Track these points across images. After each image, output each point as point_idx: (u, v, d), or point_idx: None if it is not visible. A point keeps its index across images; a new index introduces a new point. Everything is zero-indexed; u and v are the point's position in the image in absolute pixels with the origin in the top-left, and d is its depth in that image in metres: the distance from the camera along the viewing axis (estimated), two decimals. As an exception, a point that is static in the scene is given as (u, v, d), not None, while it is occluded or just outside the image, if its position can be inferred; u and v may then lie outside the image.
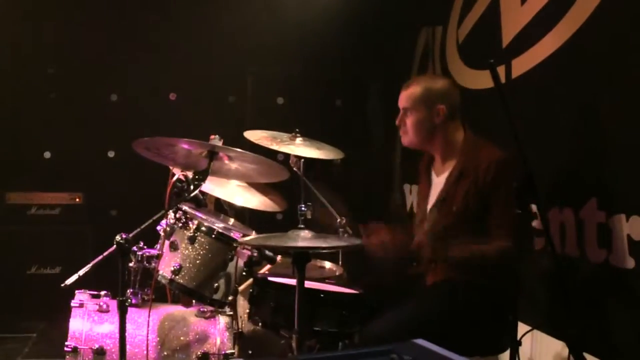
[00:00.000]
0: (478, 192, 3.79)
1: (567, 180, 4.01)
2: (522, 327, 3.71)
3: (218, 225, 3.95)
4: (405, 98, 4.04)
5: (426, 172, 4.21)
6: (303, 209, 3.39)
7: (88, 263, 3.68)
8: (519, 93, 4.37)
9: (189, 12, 6.76)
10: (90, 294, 4.02)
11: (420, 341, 2.35)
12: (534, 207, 3.97)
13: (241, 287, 3.93)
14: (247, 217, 5.21)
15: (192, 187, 3.47)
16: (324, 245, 3.31)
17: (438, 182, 4.07)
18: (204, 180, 3.47)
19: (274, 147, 4.35)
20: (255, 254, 3.80)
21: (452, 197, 3.91)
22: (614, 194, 3.61)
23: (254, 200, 4.67)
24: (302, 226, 3.35)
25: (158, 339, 3.79)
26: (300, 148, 4.37)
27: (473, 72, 4.98)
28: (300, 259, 3.21)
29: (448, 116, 3.96)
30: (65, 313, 3.87)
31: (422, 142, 4.05)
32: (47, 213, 6.47)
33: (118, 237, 3.15)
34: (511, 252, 3.62)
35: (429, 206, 4.08)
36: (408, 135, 4.05)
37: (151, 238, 3.94)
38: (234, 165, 3.75)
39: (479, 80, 4.75)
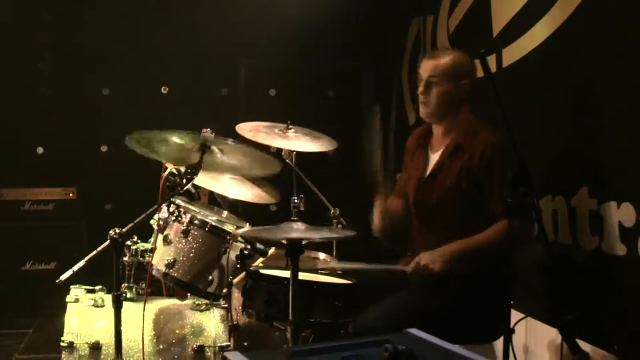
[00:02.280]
0: (472, 174, 3.81)
1: (559, 169, 4.03)
2: (516, 315, 3.74)
3: (211, 219, 3.96)
4: (432, 68, 3.97)
5: (422, 149, 4.19)
6: (296, 201, 3.40)
7: (83, 258, 3.70)
8: (510, 82, 4.38)
9: (181, 5, 6.75)
10: (86, 289, 4.02)
11: (415, 331, 2.36)
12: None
13: (236, 280, 3.94)
14: (241, 209, 5.22)
15: (184, 181, 3.47)
16: (316, 237, 3.32)
17: (434, 158, 4.07)
18: (196, 174, 3.47)
19: (267, 141, 4.35)
20: (248, 248, 3.80)
21: (448, 171, 3.93)
22: (605, 182, 3.62)
23: (247, 193, 4.67)
24: (295, 218, 3.36)
25: (154, 332, 3.80)
26: (294, 140, 4.38)
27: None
28: (294, 250, 3.22)
29: (468, 93, 3.97)
30: (61, 308, 3.88)
31: (442, 115, 4.00)
32: (41, 209, 6.47)
33: (112, 232, 3.15)
34: (510, 235, 3.63)
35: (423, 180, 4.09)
36: (429, 106, 3.99)
37: (145, 232, 3.95)
38: (226, 159, 3.74)
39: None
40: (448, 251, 3.79)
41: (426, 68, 4.01)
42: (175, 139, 3.59)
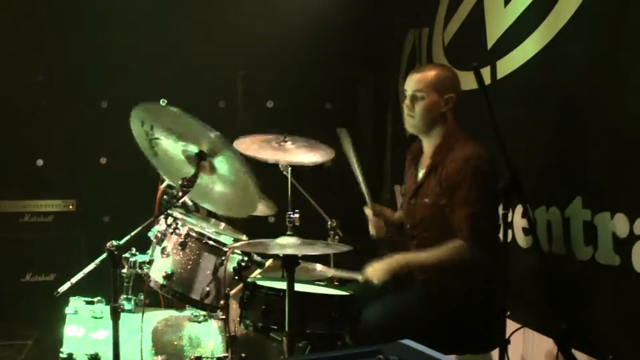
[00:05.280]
0: (442, 188, 3.89)
1: (553, 180, 4.05)
2: (512, 325, 3.77)
3: (208, 231, 4.00)
4: (416, 82, 4.04)
5: (413, 166, 4.25)
6: (292, 216, 3.44)
7: (82, 269, 3.72)
8: (504, 94, 4.41)
9: (178, 18, 6.78)
10: (85, 301, 4.05)
11: (407, 341, 2.38)
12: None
13: (233, 291, 3.96)
14: (239, 221, 5.24)
15: (180, 193, 3.50)
16: (311, 252, 3.36)
17: (420, 176, 4.15)
18: (191, 186, 3.50)
19: (263, 153, 4.37)
20: (245, 259, 3.83)
21: (425, 190, 4.01)
22: (598, 193, 3.65)
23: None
24: (290, 233, 3.40)
25: (152, 344, 3.83)
26: (290, 152, 4.41)
27: (459, 73, 5.01)
28: (290, 263, 3.25)
29: (453, 106, 4.02)
30: (60, 320, 3.90)
31: (427, 128, 4.06)
32: (40, 220, 6.47)
33: (109, 245, 3.17)
34: (469, 252, 3.69)
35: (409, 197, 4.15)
36: (414, 120, 4.06)
37: (143, 244, 3.98)
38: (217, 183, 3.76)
39: (465, 81, 4.78)
40: (394, 263, 3.87)
41: (411, 82, 4.07)
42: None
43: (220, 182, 3.72)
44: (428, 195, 3.98)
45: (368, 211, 4.33)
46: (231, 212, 4.03)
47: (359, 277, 3.94)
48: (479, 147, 3.89)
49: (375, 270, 3.85)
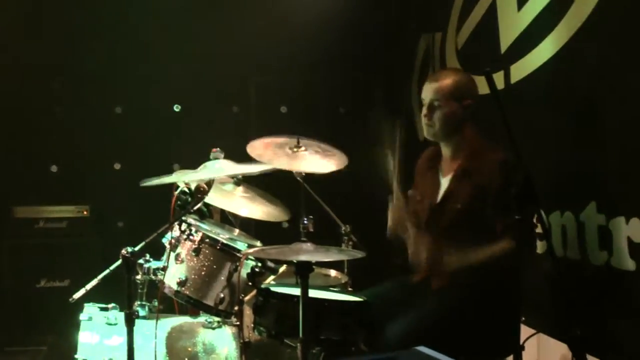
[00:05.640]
0: (482, 193, 3.82)
1: (567, 184, 4.04)
2: (527, 331, 3.75)
3: (222, 237, 4.00)
4: (434, 91, 4.01)
5: (432, 171, 4.21)
6: (305, 222, 3.43)
7: (97, 275, 3.74)
8: (518, 98, 4.40)
9: (191, 23, 6.80)
10: (99, 307, 4.06)
11: (423, 348, 2.38)
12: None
13: (247, 297, 3.96)
14: (253, 227, 5.24)
15: (195, 200, 3.51)
16: (325, 258, 3.35)
17: (444, 183, 4.09)
18: (206, 193, 3.51)
19: (276, 161, 4.38)
20: (259, 265, 3.83)
21: (457, 196, 3.95)
22: (613, 197, 3.63)
23: (258, 211, 4.70)
24: (304, 239, 3.39)
25: (166, 350, 3.83)
26: (304, 160, 4.41)
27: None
28: (303, 269, 3.24)
29: (472, 112, 4.00)
30: (75, 326, 3.92)
31: (447, 135, 4.04)
32: (55, 226, 6.49)
33: (124, 251, 3.18)
34: (513, 255, 3.66)
35: (435, 204, 4.11)
36: (434, 128, 4.03)
37: (157, 250, 3.99)
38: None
39: (479, 85, 4.79)
40: (452, 264, 3.83)
41: (428, 91, 4.04)
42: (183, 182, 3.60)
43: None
44: (460, 200, 3.94)
45: (393, 199, 4.25)
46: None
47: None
48: (502, 151, 3.86)
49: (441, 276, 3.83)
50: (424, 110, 4.05)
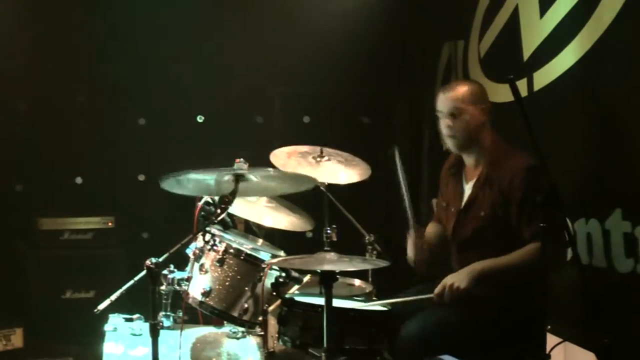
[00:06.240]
0: (504, 200, 3.81)
1: (592, 191, 4.02)
2: (553, 339, 3.72)
3: (246, 247, 4.00)
4: (452, 100, 4.02)
5: (456, 178, 4.21)
6: (328, 231, 3.44)
7: (122, 286, 3.75)
8: (541, 105, 4.39)
9: (215, 34, 6.82)
10: (124, 318, 4.07)
11: (447, 357, 2.38)
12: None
13: (271, 307, 3.96)
14: (278, 237, 5.25)
15: (219, 210, 3.50)
16: (348, 268, 3.32)
17: (467, 189, 4.09)
18: (230, 203, 3.50)
19: (299, 170, 4.39)
20: (283, 275, 3.83)
21: (480, 202, 3.95)
22: (638, 204, 3.61)
23: (282, 221, 4.71)
24: (327, 248, 3.39)
25: (191, 360, 3.84)
26: (327, 170, 4.43)
27: (495, 85, 5.00)
28: (327, 279, 3.24)
29: (489, 117, 3.99)
30: (100, 336, 3.93)
31: (470, 143, 4.03)
32: (80, 238, 6.51)
33: (148, 262, 3.17)
34: (542, 258, 3.63)
35: (459, 211, 4.10)
36: (457, 138, 4.02)
37: (182, 261, 4.00)
38: (259, 183, 3.75)
39: (502, 93, 4.78)
40: (477, 269, 3.81)
41: (446, 101, 4.04)
42: (208, 177, 3.59)
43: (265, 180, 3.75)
44: (483, 207, 3.93)
45: (412, 233, 4.25)
46: (297, 188, 4.00)
47: (428, 296, 3.88)
48: (526, 157, 3.84)
49: (460, 278, 3.80)
50: (446, 120, 4.03)
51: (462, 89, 4.01)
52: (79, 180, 6.93)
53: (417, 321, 3.76)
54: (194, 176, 3.53)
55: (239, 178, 3.53)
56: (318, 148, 4.57)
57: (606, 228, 3.81)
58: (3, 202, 6.59)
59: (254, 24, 6.82)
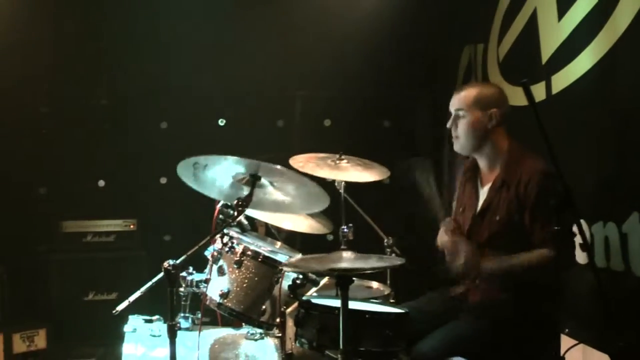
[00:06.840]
0: (520, 204, 3.80)
1: (610, 195, 4.01)
2: (569, 342, 3.73)
3: (264, 249, 4.03)
4: (458, 100, 4.02)
5: (472, 182, 4.21)
6: (345, 230, 3.45)
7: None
8: (560, 108, 4.39)
9: (236, 38, 6.85)
10: (144, 319, 4.11)
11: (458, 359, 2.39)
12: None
13: (289, 309, 3.99)
14: (298, 240, 5.27)
15: (235, 213, 3.54)
16: (365, 266, 3.32)
17: (483, 194, 4.08)
18: (247, 206, 3.54)
19: (317, 171, 4.41)
20: (300, 277, 3.85)
21: (496, 207, 3.92)
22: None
23: (301, 224, 4.74)
24: (344, 247, 3.40)
25: (209, 361, 3.87)
26: (345, 171, 4.44)
27: (514, 88, 4.99)
28: (343, 280, 3.25)
29: (500, 122, 3.95)
30: (121, 338, 3.97)
31: (474, 146, 4.02)
32: (103, 240, 6.56)
33: (165, 264, 3.21)
34: (553, 263, 3.64)
35: (474, 215, 4.10)
36: (459, 140, 4.03)
37: (200, 263, 4.03)
38: (275, 194, 3.80)
39: (520, 96, 4.75)
40: (485, 261, 3.83)
41: (454, 101, 4.04)
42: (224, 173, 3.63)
43: (281, 191, 3.77)
44: (499, 212, 3.92)
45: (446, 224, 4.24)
46: (309, 209, 4.03)
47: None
48: (542, 160, 3.83)
49: (466, 257, 3.84)
50: (449, 122, 4.05)
51: (469, 92, 4.01)
52: (101, 183, 6.98)
53: (437, 336, 3.76)
54: (211, 172, 3.58)
55: (255, 180, 3.56)
56: (336, 155, 4.59)
57: (624, 231, 3.80)
58: (27, 206, 6.66)
59: (276, 27, 6.84)
